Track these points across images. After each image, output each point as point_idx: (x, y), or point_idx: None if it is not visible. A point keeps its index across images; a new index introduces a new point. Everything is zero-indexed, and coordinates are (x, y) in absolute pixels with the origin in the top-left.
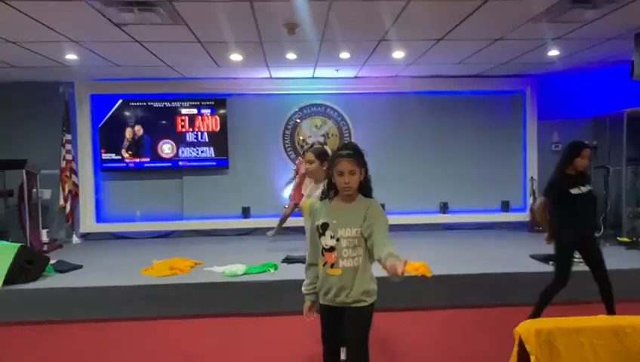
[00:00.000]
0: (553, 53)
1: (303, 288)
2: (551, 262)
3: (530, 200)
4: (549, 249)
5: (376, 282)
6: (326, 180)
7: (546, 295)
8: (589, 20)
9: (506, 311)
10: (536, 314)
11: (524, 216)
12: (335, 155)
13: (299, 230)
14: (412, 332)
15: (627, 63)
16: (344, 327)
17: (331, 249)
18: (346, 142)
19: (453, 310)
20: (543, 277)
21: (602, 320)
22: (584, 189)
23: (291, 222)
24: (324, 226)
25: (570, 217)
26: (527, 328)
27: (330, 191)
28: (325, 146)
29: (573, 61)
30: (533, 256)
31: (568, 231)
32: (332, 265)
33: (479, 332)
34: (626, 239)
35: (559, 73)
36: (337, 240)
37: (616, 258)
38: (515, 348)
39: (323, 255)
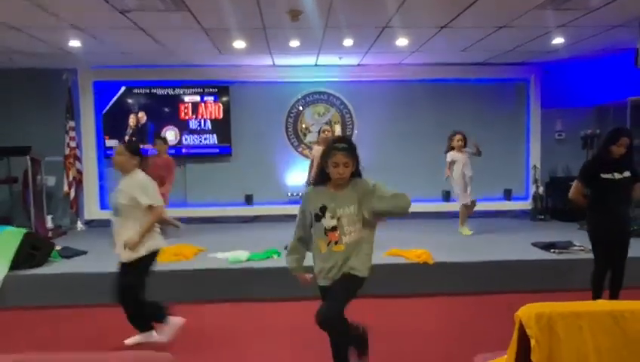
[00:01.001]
0: (557, 41)
1: (293, 265)
2: (552, 250)
3: (532, 189)
4: (551, 237)
5: (371, 261)
6: (317, 168)
7: (592, 281)
8: (593, 8)
9: (508, 298)
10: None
11: (526, 205)
12: (331, 148)
13: None
14: (414, 318)
15: (631, 51)
16: (333, 290)
17: (334, 228)
18: (341, 135)
19: (455, 297)
20: (543, 265)
21: (601, 305)
22: (618, 176)
23: (294, 210)
24: (323, 209)
25: (601, 202)
26: (527, 312)
27: (322, 179)
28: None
29: (577, 49)
30: (534, 244)
31: (597, 217)
32: (336, 243)
33: (480, 318)
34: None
35: (563, 61)
36: (338, 219)
37: None
38: (516, 332)
39: (326, 235)
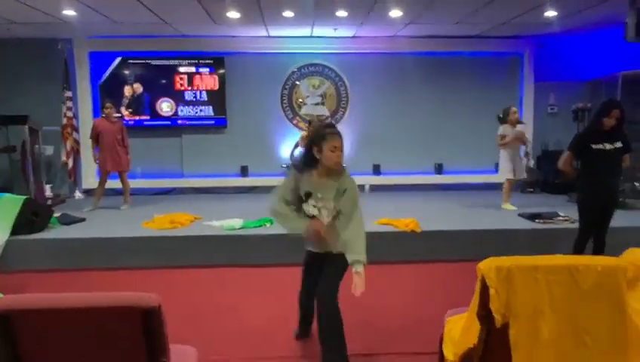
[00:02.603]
0: (550, 13)
1: (293, 221)
2: (537, 220)
3: (524, 161)
4: (537, 208)
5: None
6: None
7: (575, 248)
8: None
9: None
10: None
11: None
12: (327, 132)
13: None
14: (399, 282)
15: (622, 25)
16: (324, 267)
17: (313, 217)
18: (328, 122)
19: (441, 263)
20: (528, 234)
21: (558, 259)
22: (609, 146)
23: None
24: (308, 195)
25: (592, 172)
26: (488, 265)
27: (310, 163)
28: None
29: (570, 22)
30: (521, 215)
31: (588, 186)
32: None
33: (461, 282)
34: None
35: (557, 35)
36: (319, 210)
37: None
38: (478, 284)
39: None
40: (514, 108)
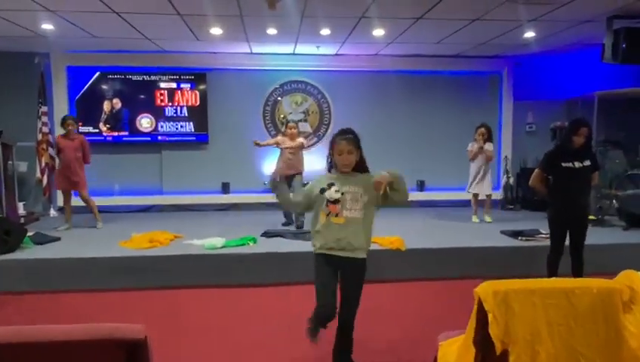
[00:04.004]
0: (529, 34)
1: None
2: (520, 237)
3: (503, 179)
4: (520, 225)
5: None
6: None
7: (548, 264)
8: (563, 2)
9: (476, 284)
10: None
11: (497, 195)
12: (334, 139)
13: (277, 206)
14: (384, 302)
15: (599, 46)
16: (344, 278)
17: (336, 201)
18: (345, 128)
19: (426, 281)
20: (511, 252)
21: (554, 282)
22: (578, 165)
23: (270, 198)
24: (331, 184)
25: (561, 190)
26: (485, 289)
27: (331, 168)
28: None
29: (548, 43)
30: (503, 232)
31: (558, 203)
32: (336, 215)
33: (449, 302)
34: (592, 217)
35: (535, 55)
36: (342, 193)
37: None
38: (475, 307)
39: (327, 206)
40: (481, 130)
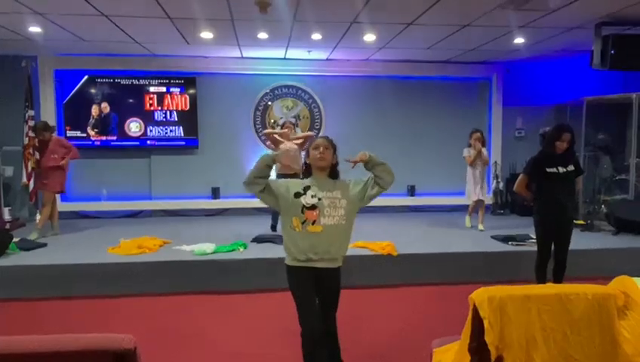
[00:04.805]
0: (519, 40)
1: (257, 163)
2: (510, 242)
3: (493, 184)
4: (510, 230)
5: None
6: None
7: (536, 270)
8: (552, 9)
9: (468, 289)
10: None
11: (487, 199)
12: (312, 141)
13: (268, 211)
14: (377, 307)
15: (588, 53)
16: (321, 289)
17: (313, 207)
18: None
19: (418, 287)
20: (501, 257)
21: (549, 288)
22: (562, 170)
23: (261, 204)
24: (306, 188)
25: (546, 195)
26: (480, 295)
27: (308, 172)
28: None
29: (537, 49)
30: (493, 237)
31: (543, 208)
32: (313, 222)
33: (441, 307)
34: (581, 222)
35: (524, 61)
36: (319, 199)
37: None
38: (470, 313)
39: (303, 213)
40: (476, 134)
